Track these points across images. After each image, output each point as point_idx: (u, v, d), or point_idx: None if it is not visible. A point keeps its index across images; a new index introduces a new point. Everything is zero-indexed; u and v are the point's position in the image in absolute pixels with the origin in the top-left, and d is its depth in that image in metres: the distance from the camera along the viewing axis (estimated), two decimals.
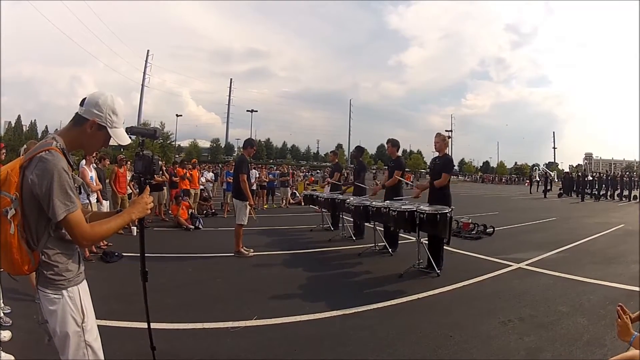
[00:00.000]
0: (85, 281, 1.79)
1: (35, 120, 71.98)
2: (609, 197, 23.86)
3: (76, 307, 1.69)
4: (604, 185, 24.69)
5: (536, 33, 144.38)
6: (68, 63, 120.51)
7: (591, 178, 24.94)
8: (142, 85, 67.37)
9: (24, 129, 66.24)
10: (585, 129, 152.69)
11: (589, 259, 6.79)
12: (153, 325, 2.27)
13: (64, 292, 1.67)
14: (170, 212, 10.74)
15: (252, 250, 6.59)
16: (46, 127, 65.05)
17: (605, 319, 3.83)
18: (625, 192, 23.81)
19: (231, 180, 13.25)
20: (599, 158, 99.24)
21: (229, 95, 79.47)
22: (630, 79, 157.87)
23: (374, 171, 44.58)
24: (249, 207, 6.64)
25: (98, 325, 1.82)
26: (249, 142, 7.15)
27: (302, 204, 13.27)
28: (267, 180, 15.03)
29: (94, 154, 6.96)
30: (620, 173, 27.92)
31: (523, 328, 3.71)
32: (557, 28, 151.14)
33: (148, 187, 1.96)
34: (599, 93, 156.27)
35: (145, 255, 2.16)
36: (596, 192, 24.04)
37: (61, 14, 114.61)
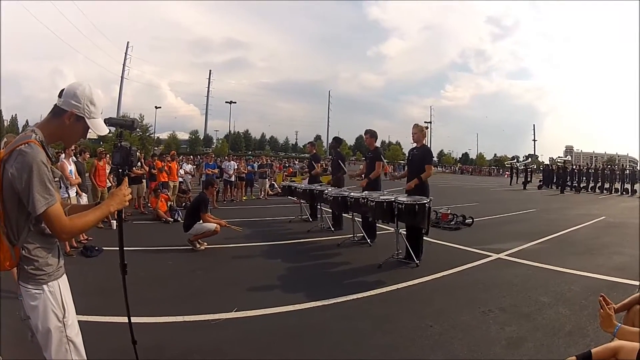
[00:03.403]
0: (65, 276, 1.77)
1: (16, 114, 69.50)
2: (589, 190, 24.14)
3: (57, 302, 1.68)
4: (584, 178, 25.03)
5: (517, 26, 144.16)
6: (48, 56, 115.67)
7: (576, 170, 25.25)
8: (122, 77, 65.25)
9: (5, 124, 63.98)
10: (566, 122, 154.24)
11: (570, 249, 6.85)
12: (133, 320, 2.25)
13: (45, 287, 1.66)
14: (149, 204, 10.60)
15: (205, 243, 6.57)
16: (27, 121, 62.83)
17: (587, 309, 3.85)
18: (607, 185, 23.94)
19: (210, 172, 13.25)
20: (579, 151, 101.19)
21: (208, 87, 77.62)
22: (612, 73, 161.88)
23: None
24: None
25: (79, 321, 1.81)
26: (209, 182, 7.71)
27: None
28: (245, 171, 14.93)
29: (74, 147, 6.83)
30: (602, 166, 28.41)
31: (504, 318, 3.72)
32: (539, 21, 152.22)
33: (126, 179, 1.95)
34: (580, 87, 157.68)
35: (125, 248, 2.14)
36: (576, 185, 24.39)
37: (40, 6, 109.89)
